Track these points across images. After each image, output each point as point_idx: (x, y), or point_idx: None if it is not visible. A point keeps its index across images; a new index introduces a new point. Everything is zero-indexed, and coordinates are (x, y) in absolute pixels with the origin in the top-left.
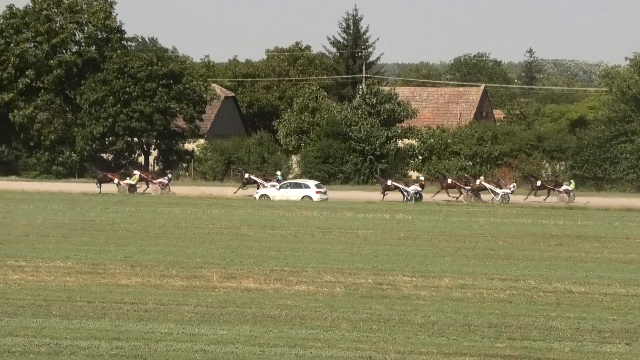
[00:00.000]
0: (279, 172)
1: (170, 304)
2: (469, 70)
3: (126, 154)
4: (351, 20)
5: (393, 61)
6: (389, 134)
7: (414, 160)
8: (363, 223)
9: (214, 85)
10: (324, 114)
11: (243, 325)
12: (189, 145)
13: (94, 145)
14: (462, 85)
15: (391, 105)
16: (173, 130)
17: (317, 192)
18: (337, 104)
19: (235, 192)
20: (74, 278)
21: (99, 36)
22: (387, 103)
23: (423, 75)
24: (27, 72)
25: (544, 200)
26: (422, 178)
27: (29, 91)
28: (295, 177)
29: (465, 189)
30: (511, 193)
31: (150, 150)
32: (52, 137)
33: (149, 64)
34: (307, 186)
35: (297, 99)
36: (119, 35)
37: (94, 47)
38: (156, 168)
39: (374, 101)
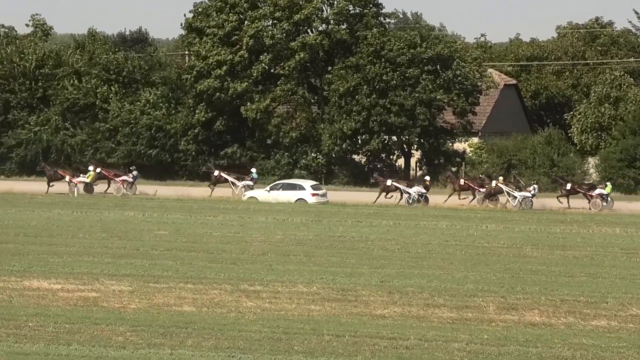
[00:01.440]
0: (253, 170)
1: (437, 340)
2: None
3: (382, 155)
4: None
5: None
6: None
7: None
8: None
9: (490, 70)
10: (630, 106)
11: None
12: (459, 145)
13: (343, 145)
14: None
15: None
16: (440, 127)
17: (313, 195)
18: None
19: (210, 196)
20: (320, 306)
21: (351, 12)
22: None
23: None
24: (262, 57)
25: (589, 207)
26: (427, 178)
27: (265, 80)
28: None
29: (479, 191)
30: (532, 197)
31: (412, 151)
32: (294, 135)
33: (411, 46)
34: (301, 187)
35: (595, 87)
36: (375, 10)
37: (345, 25)
38: (419, 173)
39: None
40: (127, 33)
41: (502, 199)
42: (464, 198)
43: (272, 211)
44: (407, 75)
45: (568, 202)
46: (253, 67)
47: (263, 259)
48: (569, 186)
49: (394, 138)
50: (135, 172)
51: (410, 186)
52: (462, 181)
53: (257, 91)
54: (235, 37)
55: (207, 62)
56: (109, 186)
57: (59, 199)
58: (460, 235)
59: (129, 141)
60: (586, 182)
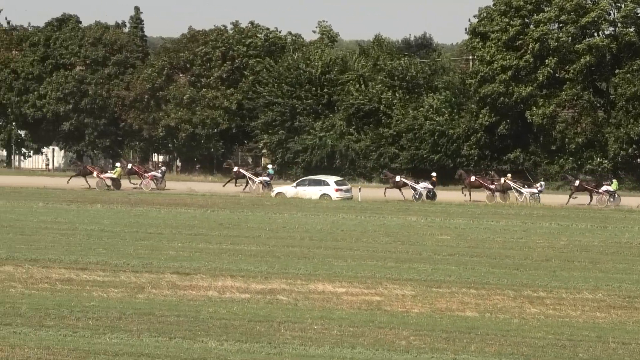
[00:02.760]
0: (270, 166)
1: None
2: None
3: None
4: None
5: None
6: None
7: None
8: None
9: None
10: None
11: None
12: None
13: (629, 150)
14: None
15: None
16: None
17: (337, 190)
18: None
19: (224, 185)
20: (605, 313)
21: None
22: None
23: None
24: (547, 61)
25: (588, 204)
26: (433, 174)
27: (550, 84)
28: None
29: (490, 188)
30: (539, 193)
31: None
32: (579, 140)
33: None
34: (326, 183)
35: None
36: None
37: (633, 28)
38: None
39: None
40: (412, 39)
41: (512, 195)
42: (465, 194)
43: (556, 217)
44: None
45: (570, 197)
46: (538, 71)
47: (547, 264)
48: (577, 183)
49: None
50: (163, 168)
51: (417, 182)
52: (472, 178)
53: (541, 95)
54: (520, 41)
55: (491, 67)
56: (141, 182)
57: (342, 203)
58: None
59: (412, 146)
60: (593, 180)
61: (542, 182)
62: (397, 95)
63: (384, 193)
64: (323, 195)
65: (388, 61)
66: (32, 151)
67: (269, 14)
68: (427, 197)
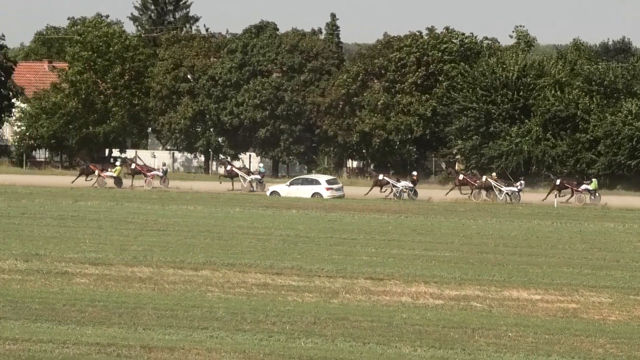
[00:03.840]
0: (261, 165)
1: None
2: None
3: None
4: None
5: None
6: None
7: None
8: None
9: None
10: None
11: None
12: None
13: None
14: None
15: None
16: None
17: (328, 189)
18: None
19: (232, 190)
20: None
21: None
22: None
23: None
24: None
25: (567, 200)
26: (414, 173)
27: None
28: None
29: (474, 186)
30: (519, 191)
31: None
32: None
33: None
34: (317, 182)
35: None
36: None
37: None
38: None
39: None
40: (610, 43)
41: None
42: (465, 193)
43: None
44: None
45: (556, 196)
46: None
47: None
48: (558, 181)
49: None
50: (165, 167)
51: (399, 181)
52: (460, 177)
53: None
54: None
55: None
56: (146, 180)
57: (538, 209)
58: None
59: (610, 152)
60: (575, 178)
61: (522, 181)
62: (594, 100)
63: (367, 193)
64: (315, 194)
65: (586, 66)
66: (229, 157)
67: (464, 19)
68: (408, 195)
